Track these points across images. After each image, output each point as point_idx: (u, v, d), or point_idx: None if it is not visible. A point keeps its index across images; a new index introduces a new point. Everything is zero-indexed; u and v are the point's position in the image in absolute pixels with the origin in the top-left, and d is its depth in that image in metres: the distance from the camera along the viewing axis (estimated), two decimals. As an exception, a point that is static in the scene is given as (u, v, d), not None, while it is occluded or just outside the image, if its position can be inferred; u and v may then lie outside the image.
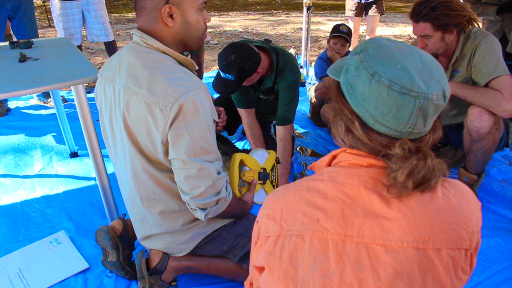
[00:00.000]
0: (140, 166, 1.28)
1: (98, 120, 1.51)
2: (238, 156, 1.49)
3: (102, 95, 1.35)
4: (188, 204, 1.28)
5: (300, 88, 2.46)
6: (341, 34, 2.97)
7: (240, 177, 1.49)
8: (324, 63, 3.03)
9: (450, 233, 0.72)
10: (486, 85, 1.83)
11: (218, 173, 1.26)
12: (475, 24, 1.92)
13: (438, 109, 0.73)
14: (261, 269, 0.83)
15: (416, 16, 1.83)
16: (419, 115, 0.71)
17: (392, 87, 0.70)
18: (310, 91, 3.29)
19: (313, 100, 3.13)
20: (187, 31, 1.24)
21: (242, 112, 2.26)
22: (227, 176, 1.37)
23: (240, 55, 1.83)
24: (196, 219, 1.39)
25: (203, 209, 1.26)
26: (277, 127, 2.20)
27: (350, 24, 4.28)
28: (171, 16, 1.19)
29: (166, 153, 1.23)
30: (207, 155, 1.22)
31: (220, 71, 1.89)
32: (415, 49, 0.76)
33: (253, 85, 2.18)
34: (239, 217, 1.50)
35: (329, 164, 0.84)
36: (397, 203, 0.72)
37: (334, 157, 0.83)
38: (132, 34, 1.26)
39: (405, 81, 0.70)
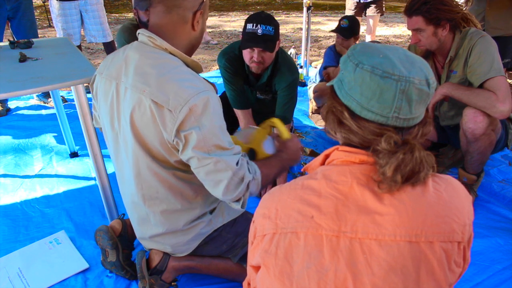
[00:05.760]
0: (145, 165, 1.27)
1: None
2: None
3: (101, 93, 1.34)
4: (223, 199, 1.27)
5: (300, 88, 2.46)
6: (340, 30, 2.99)
7: None
8: (332, 52, 3.06)
9: (442, 226, 0.73)
10: (481, 86, 1.83)
11: (237, 163, 1.23)
12: (473, 24, 1.93)
13: (422, 94, 0.75)
14: (257, 269, 0.84)
15: (408, 11, 1.89)
16: (403, 99, 0.74)
17: (374, 72, 0.74)
18: (310, 90, 3.29)
19: (314, 102, 3.13)
20: (199, 38, 1.32)
21: (238, 113, 2.25)
22: (247, 157, 1.33)
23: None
24: (198, 218, 1.40)
25: (237, 201, 1.26)
26: (275, 126, 2.20)
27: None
28: (197, 21, 1.25)
29: (174, 150, 1.22)
30: (222, 151, 1.20)
31: (255, 28, 1.90)
32: (402, 49, 0.80)
33: (250, 81, 2.18)
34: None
35: (323, 164, 0.85)
36: (389, 198, 0.74)
37: (327, 156, 0.85)
38: (139, 34, 1.26)
39: (387, 66, 0.74)
